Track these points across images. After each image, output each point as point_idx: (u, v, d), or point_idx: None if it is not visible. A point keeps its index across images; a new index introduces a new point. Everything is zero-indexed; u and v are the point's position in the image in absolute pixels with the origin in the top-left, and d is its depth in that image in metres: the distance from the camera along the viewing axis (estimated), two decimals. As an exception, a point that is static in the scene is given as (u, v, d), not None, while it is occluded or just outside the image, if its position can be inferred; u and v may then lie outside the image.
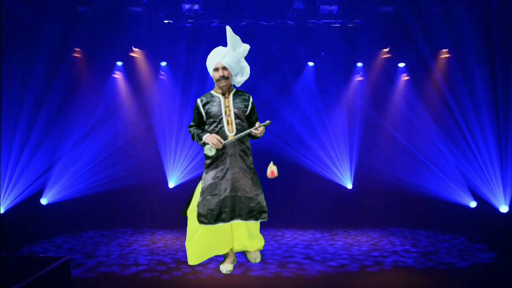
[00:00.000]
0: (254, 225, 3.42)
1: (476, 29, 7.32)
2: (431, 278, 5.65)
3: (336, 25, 7.94)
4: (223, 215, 3.23)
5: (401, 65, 8.41)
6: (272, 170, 3.26)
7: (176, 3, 7.48)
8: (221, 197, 3.24)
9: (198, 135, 3.33)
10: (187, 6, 7.42)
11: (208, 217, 3.22)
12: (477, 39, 7.40)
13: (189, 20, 7.80)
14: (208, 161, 3.32)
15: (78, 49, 7.90)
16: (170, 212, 8.34)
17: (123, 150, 8.36)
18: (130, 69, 8.38)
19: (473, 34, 7.34)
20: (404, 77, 8.46)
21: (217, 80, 3.33)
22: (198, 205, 3.25)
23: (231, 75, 3.35)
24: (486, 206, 7.63)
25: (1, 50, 6.58)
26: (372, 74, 8.51)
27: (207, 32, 7.78)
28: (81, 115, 8.04)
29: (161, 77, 8.48)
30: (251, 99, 3.42)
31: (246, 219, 3.26)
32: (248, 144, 3.38)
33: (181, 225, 8.17)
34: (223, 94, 3.38)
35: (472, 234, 7.52)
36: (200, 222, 3.23)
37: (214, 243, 3.34)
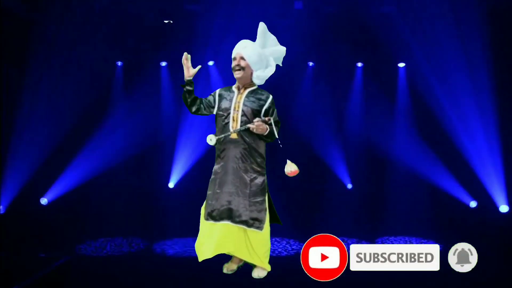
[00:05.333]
0: (255, 237, 3.20)
1: (477, 29, 7.30)
2: (431, 278, 5.65)
3: (336, 25, 7.93)
4: (214, 213, 3.14)
5: (401, 65, 8.39)
6: (290, 170, 3.14)
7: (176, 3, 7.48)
8: (216, 195, 3.15)
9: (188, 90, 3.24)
10: (187, 6, 7.42)
11: (206, 213, 3.19)
12: (477, 38, 7.38)
13: (189, 20, 7.78)
14: (216, 157, 3.27)
15: None
16: (170, 213, 8.35)
17: (123, 150, 8.32)
18: (130, 69, 8.35)
19: (473, 33, 7.32)
20: (405, 78, 8.42)
21: (233, 69, 3.25)
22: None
23: (249, 68, 3.22)
24: (486, 206, 7.61)
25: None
26: (373, 74, 8.48)
27: (207, 32, 7.76)
28: (81, 115, 8.02)
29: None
30: (269, 100, 3.25)
31: (236, 222, 3.11)
32: (255, 144, 3.19)
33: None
34: (238, 89, 3.29)
35: (472, 234, 7.49)
36: (204, 217, 3.22)
37: (215, 240, 3.16)
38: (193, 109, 3.28)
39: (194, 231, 3.26)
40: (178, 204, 7.90)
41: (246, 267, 3.42)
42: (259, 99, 3.23)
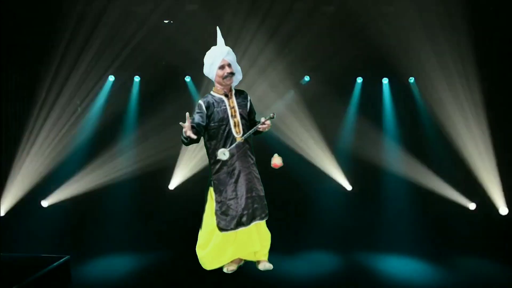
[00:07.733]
0: (263, 228, 3.34)
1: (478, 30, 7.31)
2: (431, 278, 5.68)
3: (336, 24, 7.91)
4: (243, 219, 3.13)
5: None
6: (275, 162, 3.23)
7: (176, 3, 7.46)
8: (240, 201, 3.15)
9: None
10: (187, 6, 7.41)
11: (228, 223, 3.13)
12: (477, 39, 7.38)
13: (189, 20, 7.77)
14: (216, 166, 3.21)
15: None
16: (170, 213, 8.34)
17: (123, 150, 8.33)
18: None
19: (474, 35, 7.33)
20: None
21: (224, 77, 3.24)
22: (216, 213, 3.18)
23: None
24: (485, 208, 7.60)
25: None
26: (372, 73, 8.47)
27: (207, 32, 7.73)
28: (82, 116, 8.04)
29: None
30: (249, 96, 3.41)
31: (262, 218, 3.21)
32: (251, 142, 3.34)
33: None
34: (226, 95, 3.30)
35: (472, 235, 7.48)
36: (221, 229, 3.14)
37: (234, 248, 3.23)
38: (198, 140, 3.21)
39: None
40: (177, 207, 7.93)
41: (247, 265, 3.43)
42: (244, 99, 3.37)
